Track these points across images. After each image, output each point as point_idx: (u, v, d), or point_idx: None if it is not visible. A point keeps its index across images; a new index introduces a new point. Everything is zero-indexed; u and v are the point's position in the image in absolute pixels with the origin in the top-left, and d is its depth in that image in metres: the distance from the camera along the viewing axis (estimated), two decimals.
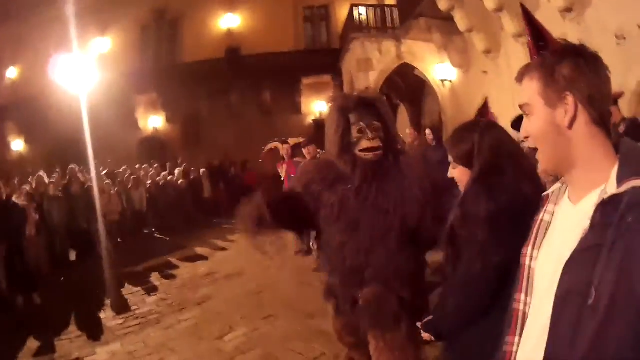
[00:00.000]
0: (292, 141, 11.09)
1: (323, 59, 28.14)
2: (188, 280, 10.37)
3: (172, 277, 10.84)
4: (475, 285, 2.60)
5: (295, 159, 10.64)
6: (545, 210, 1.91)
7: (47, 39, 25.11)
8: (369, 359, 3.84)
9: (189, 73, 26.91)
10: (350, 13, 22.37)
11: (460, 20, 14.99)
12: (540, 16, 11.84)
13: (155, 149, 26.68)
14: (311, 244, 10.24)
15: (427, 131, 10.68)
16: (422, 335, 2.97)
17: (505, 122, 7.52)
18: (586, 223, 1.55)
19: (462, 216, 2.65)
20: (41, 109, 24.81)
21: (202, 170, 20.34)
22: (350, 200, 3.65)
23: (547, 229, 1.87)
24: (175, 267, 11.74)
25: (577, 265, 1.55)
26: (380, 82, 20.91)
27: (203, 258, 12.43)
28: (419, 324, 2.99)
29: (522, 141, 6.54)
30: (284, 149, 11.08)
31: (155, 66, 28.74)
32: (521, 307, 1.91)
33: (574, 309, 1.52)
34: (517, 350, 1.91)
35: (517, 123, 6.82)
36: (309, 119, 28.76)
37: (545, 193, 1.98)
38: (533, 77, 1.76)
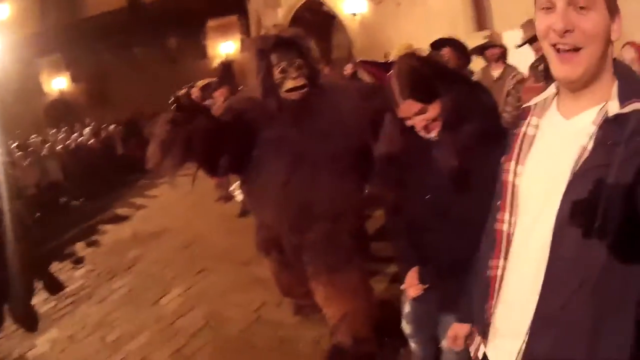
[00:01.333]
0: (199, 84, 10.87)
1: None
2: (113, 245, 10.06)
3: (97, 244, 10.51)
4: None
5: (205, 102, 10.41)
6: (529, 123, 1.79)
7: None
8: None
9: (92, 28, 26.27)
10: None
11: None
12: None
13: (62, 112, 25.98)
14: (231, 189, 10.11)
15: (349, 65, 10.46)
16: (410, 289, 2.75)
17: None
18: (584, 140, 1.52)
19: (473, 138, 2.37)
20: None
21: (112, 127, 19.66)
22: (289, 136, 3.54)
23: (531, 143, 1.77)
24: (98, 232, 11.40)
25: (581, 186, 1.49)
26: (288, 18, 20.72)
27: (125, 219, 12.11)
28: (412, 276, 2.76)
29: None
30: (193, 94, 10.77)
31: (57, 25, 27.50)
32: (505, 227, 1.81)
33: (578, 232, 1.48)
34: (502, 275, 1.83)
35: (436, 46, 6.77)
36: (217, 62, 28.36)
37: (526, 104, 1.87)
38: None
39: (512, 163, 1.79)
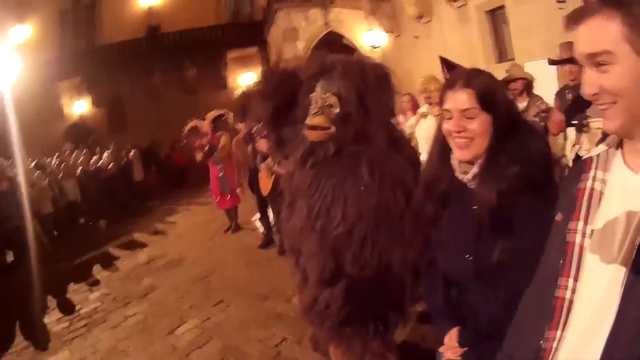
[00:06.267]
0: (210, 115, 10.80)
1: (247, 31, 28.07)
2: (130, 271, 9.94)
3: (114, 268, 10.41)
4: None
5: (217, 134, 10.56)
6: (594, 177, 1.60)
7: None
8: None
9: (111, 55, 26.45)
10: None
11: None
12: None
13: (82, 135, 26.04)
14: (253, 219, 10.06)
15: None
16: (449, 352, 2.47)
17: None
18: None
19: (519, 179, 2.14)
20: None
21: (132, 152, 19.60)
22: (292, 177, 3.33)
23: (599, 200, 1.57)
24: (115, 257, 11.30)
25: None
26: (307, 51, 20.79)
27: (142, 245, 12.02)
28: (450, 337, 2.49)
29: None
30: (203, 126, 10.82)
31: (76, 50, 27.87)
32: (568, 294, 1.57)
33: None
34: (557, 346, 1.58)
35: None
36: (236, 93, 28.41)
37: (587, 156, 1.69)
38: (613, 18, 1.39)
39: (580, 223, 1.58)
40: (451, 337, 2.49)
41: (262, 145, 7.96)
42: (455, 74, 2.44)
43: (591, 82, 1.45)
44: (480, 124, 2.23)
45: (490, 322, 2.26)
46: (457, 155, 2.31)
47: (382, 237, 2.94)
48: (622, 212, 1.45)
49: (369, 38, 18.31)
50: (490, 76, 2.38)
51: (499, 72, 7.09)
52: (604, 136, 1.68)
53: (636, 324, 1.34)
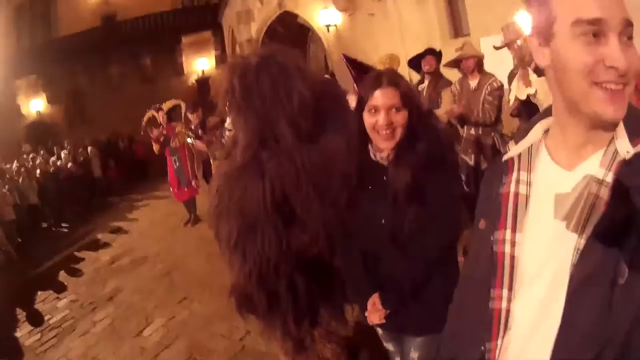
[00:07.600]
0: (165, 106, 10.87)
1: (202, 15, 27.85)
2: (94, 274, 9.95)
3: (79, 272, 10.38)
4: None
5: (172, 124, 10.60)
6: (518, 179, 1.52)
7: None
8: None
9: (66, 48, 26.24)
10: None
11: None
12: None
13: (41, 133, 25.76)
14: None
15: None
16: (373, 316, 2.70)
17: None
18: (593, 188, 1.30)
19: (427, 155, 2.55)
20: None
21: (89, 149, 19.58)
22: None
23: (526, 205, 1.49)
24: (79, 259, 11.29)
25: (601, 242, 1.27)
26: (262, 32, 20.66)
27: (105, 245, 11.98)
28: (373, 302, 2.71)
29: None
30: (159, 116, 10.81)
31: (31, 46, 27.50)
32: (503, 304, 1.52)
33: (599, 293, 1.26)
34: (498, 354, 1.55)
35: (414, 62, 7.04)
36: (192, 79, 28.30)
37: (507, 157, 1.58)
38: None
39: (507, 231, 1.51)
40: (374, 302, 2.73)
41: (198, 145, 8.03)
42: (375, 75, 2.73)
43: (623, 55, 1.24)
44: (402, 118, 2.59)
45: (411, 284, 2.64)
46: (383, 146, 2.64)
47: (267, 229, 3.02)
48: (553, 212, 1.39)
49: (323, 17, 18.24)
50: (402, 76, 2.80)
51: (453, 48, 7.22)
52: (520, 130, 1.64)
53: (584, 326, 1.30)
